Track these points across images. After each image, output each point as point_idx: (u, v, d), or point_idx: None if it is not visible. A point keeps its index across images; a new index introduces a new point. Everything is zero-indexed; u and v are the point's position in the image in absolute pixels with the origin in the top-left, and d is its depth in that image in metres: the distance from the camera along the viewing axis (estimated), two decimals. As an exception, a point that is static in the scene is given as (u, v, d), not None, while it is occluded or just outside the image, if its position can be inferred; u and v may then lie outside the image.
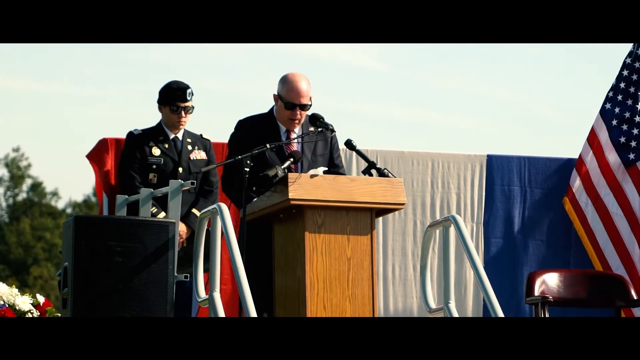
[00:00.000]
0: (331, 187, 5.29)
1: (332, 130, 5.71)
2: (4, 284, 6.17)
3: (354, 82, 54.59)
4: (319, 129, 5.67)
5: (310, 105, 5.71)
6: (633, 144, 7.54)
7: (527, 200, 7.69)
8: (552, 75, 53.61)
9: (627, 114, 7.60)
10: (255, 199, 5.48)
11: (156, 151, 6.46)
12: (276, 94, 5.74)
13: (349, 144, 5.69)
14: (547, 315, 6.25)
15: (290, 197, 5.18)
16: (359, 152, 5.75)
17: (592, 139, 7.70)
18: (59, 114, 54.43)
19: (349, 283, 5.25)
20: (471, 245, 5.33)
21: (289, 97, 5.67)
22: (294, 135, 5.75)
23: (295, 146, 5.71)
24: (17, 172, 41.86)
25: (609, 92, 7.70)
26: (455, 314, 5.42)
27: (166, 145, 6.49)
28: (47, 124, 54.07)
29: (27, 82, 54.52)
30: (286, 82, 5.70)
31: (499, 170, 7.67)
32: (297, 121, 5.72)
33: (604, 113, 7.70)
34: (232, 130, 5.87)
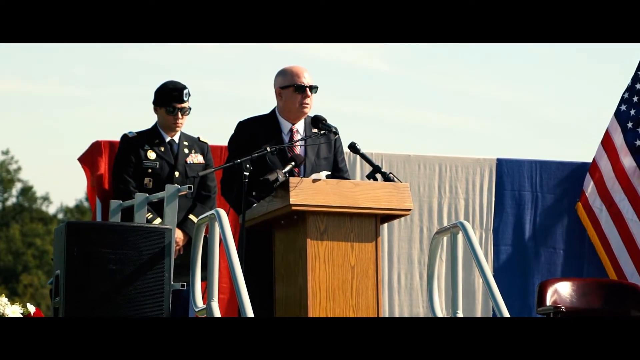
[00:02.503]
0: (334, 192, 5.29)
1: (336, 133, 5.72)
2: (-7, 293, 6.17)
3: (357, 83, 54.63)
4: (322, 132, 5.67)
5: (317, 90, 5.77)
6: (649, 147, 7.53)
7: (538, 206, 7.69)
8: (565, 75, 53.63)
9: (643, 116, 7.60)
10: (255, 205, 5.48)
11: (151, 154, 6.46)
12: (279, 87, 5.77)
13: (352, 147, 5.70)
14: (559, 326, 6.24)
15: (291, 202, 5.18)
16: (363, 156, 5.75)
17: (607, 142, 7.70)
18: (50, 116, 54.47)
19: (353, 292, 5.25)
20: (480, 253, 5.33)
21: (297, 81, 5.72)
22: (297, 137, 5.76)
23: (297, 149, 5.71)
24: (6, 175, 41.89)
25: (624, 93, 7.69)
26: (464, 325, 5.41)
27: (162, 149, 6.49)
28: (38, 125, 54.10)
29: (17, 82, 54.57)
30: (287, 71, 5.78)
31: (509, 174, 7.67)
32: (308, 106, 5.76)
33: (619, 115, 7.69)
34: (232, 132, 5.88)
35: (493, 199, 7.62)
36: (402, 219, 6.89)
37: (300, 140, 5.71)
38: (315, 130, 5.68)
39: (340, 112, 46.72)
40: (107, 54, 55.08)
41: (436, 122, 56.65)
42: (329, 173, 5.53)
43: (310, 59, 49.69)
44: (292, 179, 5.25)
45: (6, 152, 41.89)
